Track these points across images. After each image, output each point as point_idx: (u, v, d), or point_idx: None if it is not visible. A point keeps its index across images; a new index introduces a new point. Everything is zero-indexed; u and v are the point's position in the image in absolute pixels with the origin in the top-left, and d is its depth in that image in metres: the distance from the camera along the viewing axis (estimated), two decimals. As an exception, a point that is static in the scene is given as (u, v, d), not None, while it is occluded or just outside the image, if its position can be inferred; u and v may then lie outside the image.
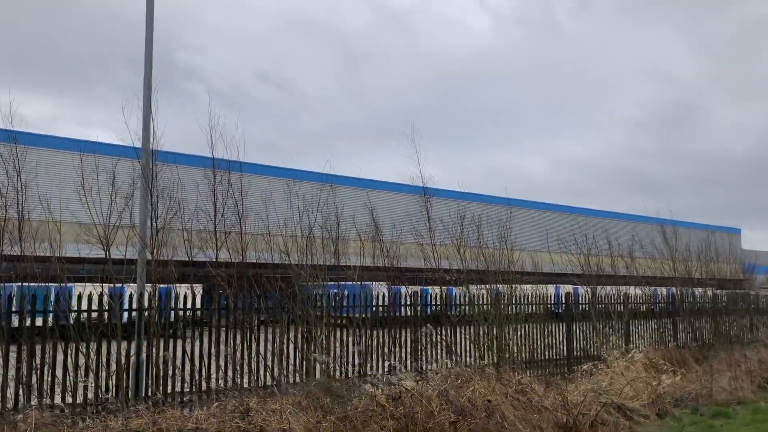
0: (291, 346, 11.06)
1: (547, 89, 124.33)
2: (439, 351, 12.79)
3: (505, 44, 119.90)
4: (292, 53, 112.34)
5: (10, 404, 8.45)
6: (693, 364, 15.02)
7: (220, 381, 10.12)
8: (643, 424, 10.38)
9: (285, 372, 10.76)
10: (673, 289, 18.70)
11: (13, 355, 8.69)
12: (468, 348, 13.10)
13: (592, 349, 15.83)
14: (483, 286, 13.40)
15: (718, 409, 11.75)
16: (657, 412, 11.11)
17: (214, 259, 11.38)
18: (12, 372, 8.62)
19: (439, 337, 12.83)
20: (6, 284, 10.97)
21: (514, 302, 13.89)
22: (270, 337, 10.87)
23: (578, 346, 15.91)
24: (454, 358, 12.39)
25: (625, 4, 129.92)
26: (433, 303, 13.60)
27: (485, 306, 13.30)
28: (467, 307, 13.31)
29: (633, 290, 18.31)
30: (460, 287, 13.45)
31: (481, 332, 12.90)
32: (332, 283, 12.38)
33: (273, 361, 10.74)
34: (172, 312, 10.40)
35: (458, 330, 13.21)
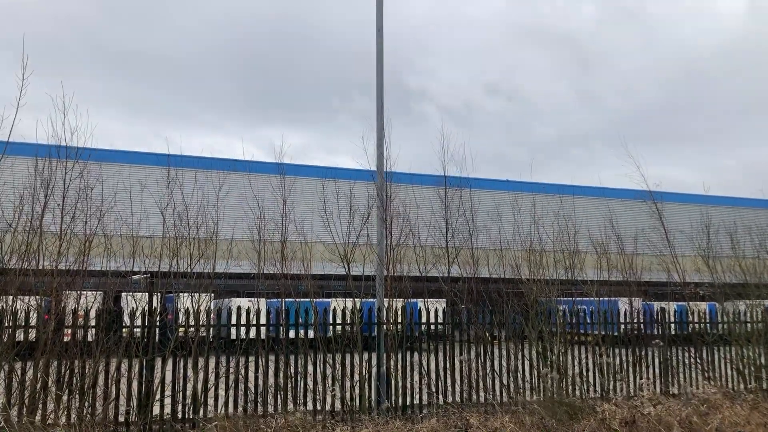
0: (526, 362, 10.84)
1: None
2: (693, 374, 11.54)
3: (763, 27, 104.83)
4: (519, 62, 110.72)
5: (270, 408, 9.52)
6: None
7: (456, 395, 10.25)
8: None
9: (521, 389, 10.56)
10: None
11: (271, 365, 9.75)
12: (729, 372, 11.63)
13: None
14: (744, 302, 11.80)
15: None
16: None
17: (446, 275, 11.64)
18: (271, 380, 9.67)
19: (693, 358, 11.58)
20: (269, 300, 12.45)
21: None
22: (504, 353, 10.78)
23: None
24: (711, 382, 11.10)
25: None
26: (689, 321, 12.30)
27: (750, 324, 11.70)
28: (726, 326, 11.83)
29: None
30: (717, 303, 12.00)
31: (745, 354, 11.36)
32: (570, 299, 11.89)
33: (507, 377, 10.62)
34: (412, 326, 10.81)
35: (715, 351, 11.79)
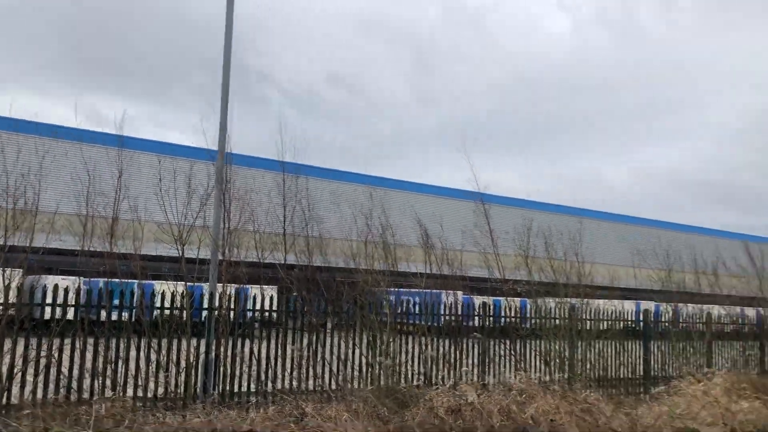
0: (356, 351, 11.07)
1: (631, 95, 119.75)
2: (507, 365, 12.50)
3: (585, 46, 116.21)
4: (363, 54, 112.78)
5: (86, 395, 8.83)
6: (781, 392, 13.99)
7: (285, 383, 10.23)
8: (721, 454, 9.77)
9: (350, 377, 10.77)
10: (761, 309, 17.57)
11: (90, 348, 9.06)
12: (538, 364, 12.75)
13: (670, 370, 15.08)
14: (553, 300, 13.00)
15: (808, 442, 10.90)
16: (737, 442, 10.43)
17: (283, 262, 11.55)
18: (88, 364, 8.99)
19: (507, 350, 12.54)
20: (92, 279, 11.56)
21: (588, 317, 13.42)
22: (335, 341, 10.91)
23: (656, 366, 15.19)
24: (522, 374, 12.07)
25: (712, 3, 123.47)
26: (505, 315, 13.30)
27: (557, 320, 12.91)
28: (537, 321, 12.95)
29: (717, 310, 17.33)
30: (529, 299, 13.10)
31: (552, 347, 12.51)
32: (399, 289, 12.32)
33: (338, 366, 10.78)
34: (245, 312, 10.59)
35: (527, 344, 12.87)
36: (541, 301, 12.85)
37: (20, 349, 8.39)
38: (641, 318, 15.78)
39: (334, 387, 10.50)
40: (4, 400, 8.17)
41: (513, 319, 13.02)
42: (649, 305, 19.77)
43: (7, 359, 8.33)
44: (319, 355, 10.69)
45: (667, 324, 15.82)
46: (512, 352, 12.48)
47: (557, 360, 12.31)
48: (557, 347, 12.39)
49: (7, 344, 8.37)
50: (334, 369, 10.76)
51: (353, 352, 11.02)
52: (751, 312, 17.81)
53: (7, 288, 8.69)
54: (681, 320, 15.82)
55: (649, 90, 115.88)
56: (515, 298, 13.06)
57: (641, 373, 14.80)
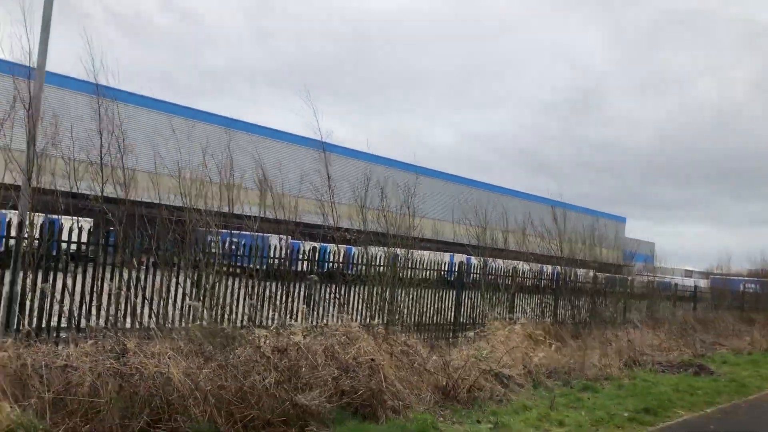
0: (180, 291, 10.74)
1: (460, 60, 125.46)
2: (332, 308, 12.84)
3: (423, 7, 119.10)
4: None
5: None
6: (569, 340, 15.88)
7: (101, 320, 9.71)
8: (517, 393, 10.89)
9: (171, 317, 10.47)
10: (558, 267, 19.63)
11: None
12: (360, 308, 13.23)
13: (478, 318, 16.41)
14: (382, 248, 13.50)
15: (588, 383, 12.51)
16: (532, 382, 11.70)
17: (100, 194, 10.75)
18: None
19: (333, 294, 12.87)
20: None
21: (409, 266, 14.11)
22: (158, 279, 10.51)
23: (466, 313, 16.45)
24: (346, 316, 12.47)
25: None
26: (331, 260, 13.61)
27: (381, 267, 13.44)
28: (364, 267, 13.40)
29: (522, 266, 19.08)
30: (360, 247, 13.49)
31: (375, 293, 13.03)
32: (228, 231, 12.08)
33: (159, 304, 10.41)
34: (55, 244, 9.82)
35: (353, 289, 13.29)
36: (373, 249, 13.29)
37: None
38: (455, 269, 16.95)
39: (154, 325, 10.14)
40: None
41: (339, 264, 13.35)
42: (462, 258, 21.25)
43: None
44: (140, 294, 10.24)
45: (477, 276, 17.13)
46: (337, 296, 12.83)
47: (379, 305, 12.86)
48: (380, 293, 12.93)
49: None
50: (155, 308, 10.38)
51: (176, 291, 10.69)
52: (549, 269, 19.81)
53: None
54: (490, 273, 17.20)
55: (476, 57, 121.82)
56: (342, 245, 13.36)
57: (452, 320, 15.96)
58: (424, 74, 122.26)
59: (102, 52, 10.53)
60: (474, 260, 17.62)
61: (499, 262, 17.90)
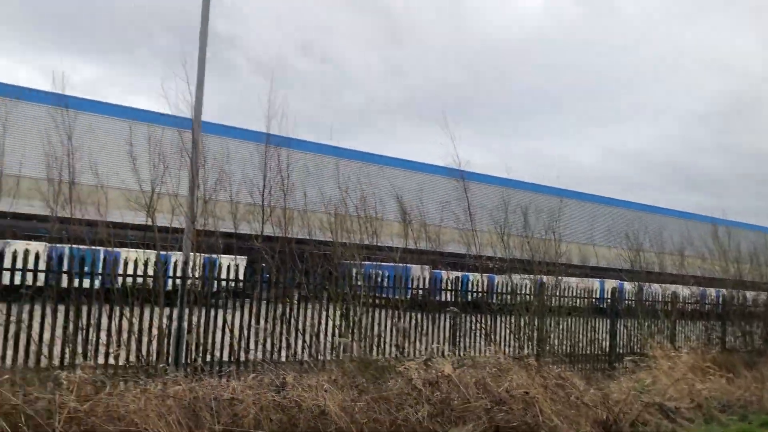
0: (329, 323, 11.05)
1: (600, 75, 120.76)
2: (478, 338, 12.63)
3: (557, 24, 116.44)
4: (335, 24, 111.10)
5: (56, 362, 8.67)
6: (742, 370, 14.47)
7: (258, 353, 10.17)
8: (687, 428, 10.06)
9: (322, 349, 10.77)
10: (723, 290, 18.06)
11: (60, 315, 8.87)
12: (507, 337, 12.90)
13: (635, 347, 15.44)
14: (527, 276, 13.14)
15: (768, 418, 11.31)
16: (702, 417, 10.76)
17: (259, 233, 11.41)
18: (59, 331, 8.80)
19: (478, 324, 12.66)
20: (57, 245, 11.26)
21: (558, 294, 13.61)
22: (309, 313, 10.88)
23: (621, 343, 15.55)
24: (493, 347, 12.22)
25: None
26: (474, 290, 13.43)
27: (528, 296, 13.07)
28: (509, 296, 13.10)
29: (681, 289, 17.77)
30: (503, 275, 13.22)
31: (522, 323, 12.67)
32: (371, 263, 12.31)
33: (311, 337, 10.75)
34: (215, 282, 10.48)
35: (498, 319, 13.01)
36: (517, 277, 12.99)
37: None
38: (607, 296, 16.11)
39: (307, 358, 10.48)
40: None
41: (483, 294, 13.14)
42: (614, 283, 20.18)
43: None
44: (293, 326, 10.65)
45: (632, 302, 16.16)
46: (483, 326, 12.61)
47: (527, 335, 12.48)
48: (527, 323, 12.54)
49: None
50: (307, 340, 10.74)
51: (326, 324, 11.01)
52: (713, 292, 18.29)
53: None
54: (646, 299, 16.16)
55: (616, 69, 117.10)
56: (485, 274, 13.15)
57: (607, 349, 15.12)
58: (563, 92, 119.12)
59: (265, 102, 11.42)
60: (627, 285, 16.67)
61: (655, 286, 16.80)
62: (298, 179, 12.03)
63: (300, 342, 10.67)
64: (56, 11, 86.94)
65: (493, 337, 12.69)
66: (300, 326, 10.72)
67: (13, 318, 8.37)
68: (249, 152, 12.00)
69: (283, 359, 10.27)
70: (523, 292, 13.09)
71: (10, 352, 8.31)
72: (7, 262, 8.78)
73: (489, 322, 12.83)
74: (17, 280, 8.74)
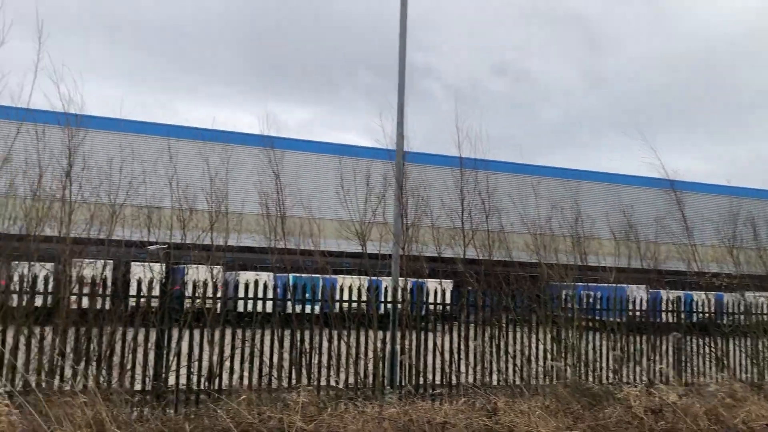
0: (540, 347, 10.77)
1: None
2: (706, 363, 11.50)
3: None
4: (527, 41, 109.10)
5: (284, 383, 9.46)
6: None
7: (468, 377, 10.20)
8: None
9: (534, 373, 10.51)
10: None
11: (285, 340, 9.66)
12: (743, 363, 11.58)
13: None
14: (763, 294, 11.73)
15: None
16: None
17: (462, 256, 11.52)
18: (286, 354, 9.59)
19: (707, 348, 11.53)
20: (279, 275, 12.33)
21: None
22: (518, 336, 10.70)
23: None
24: (727, 372, 11.05)
25: None
26: (699, 310, 12.26)
27: (766, 316, 11.64)
28: (742, 316, 11.76)
29: None
30: (733, 293, 11.93)
31: (761, 346, 11.30)
32: (582, 284, 11.80)
33: (521, 361, 10.56)
34: (423, 306, 10.72)
35: (730, 342, 11.73)
36: (749, 295, 11.65)
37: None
38: None
39: (518, 382, 10.29)
40: (216, 384, 9.00)
41: (710, 315, 11.94)
42: None
43: (216, 348, 9.14)
44: (502, 350, 10.54)
45: None
46: (712, 349, 11.44)
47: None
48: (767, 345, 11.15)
49: (216, 335, 9.18)
50: (518, 364, 10.55)
51: (536, 347, 10.74)
52: None
53: (209, 283, 9.54)
54: None
55: None
56: (711, 293, 11.96)
57: None
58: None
59: (467, 126, 11.64)
60: None
61: None
62: (497, 200, 12.00)
63: (510, 366, 10.52)
64: (272, 62, 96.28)
65: (725, 362, 11.47)
66: (510, 350, 10.57)
67: (247, 342, 9.31)
68: (448, 177, 12.19)
69: (494, 383, 10.20)
70: (759, 311, 11.69)
71: (246, 374, 9.24)
72: (240, 292, 9.80)
73: (719, 345, 11.62)
74: (254, 307, 9.70)
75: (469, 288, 11.15)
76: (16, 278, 8.44)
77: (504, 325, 10.77)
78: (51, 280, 8.77)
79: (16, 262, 8.73)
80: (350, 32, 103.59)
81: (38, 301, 8.59)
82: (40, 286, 8.60)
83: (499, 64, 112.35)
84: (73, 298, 8.75)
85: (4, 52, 8.18)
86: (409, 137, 11.65)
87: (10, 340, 8.02)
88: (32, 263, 8.73)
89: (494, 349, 10.49)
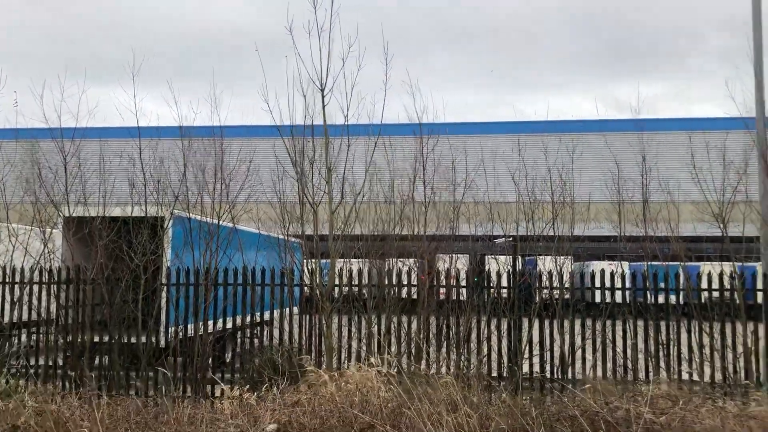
0: None
1: None
2: None
3: None
4: None
5: (641, 375, 9.14)
6: None
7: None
8: None
9: None
10: None
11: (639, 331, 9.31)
12: None
13: None
14: None
15: None
16: None
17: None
18: (640, 344, 9.25)
19: None
20: (633, 263, 11.90)
21: None
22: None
23: None
24: None
25: None
26: None
27: None
28: None
29: None
30: None
31: None
32: None
33: None
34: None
35: None
36: None
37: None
38: None
39: None
40: (569, 374, 9.17)
41: None
42: None
43: (566, 338, 9.30)
44: None
45: None
46: None
47: None
48: None
49: (566, 325, 9.35)
50: None
51: None
52: None
53: (561, 274, 9.73)
54: None
55: None
56: None
57: None
58: None
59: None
60: None
61: None
62: None
63: None
64: (605, 45, 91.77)
65: None
66: None
67: (597, 332, 9.25)
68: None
69: None
70: None
71: (599, 364, 9.19)
72: (587, 282, 9.76)
73: None
74: (602, 297, 9.61)
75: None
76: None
77: None
78: (413, 274, 10.00)
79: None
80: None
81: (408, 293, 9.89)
82: (404, 279, 9.84)
83: None
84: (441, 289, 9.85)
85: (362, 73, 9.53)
86: None
87: (382, 327, 9.38)
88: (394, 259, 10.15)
89: None
